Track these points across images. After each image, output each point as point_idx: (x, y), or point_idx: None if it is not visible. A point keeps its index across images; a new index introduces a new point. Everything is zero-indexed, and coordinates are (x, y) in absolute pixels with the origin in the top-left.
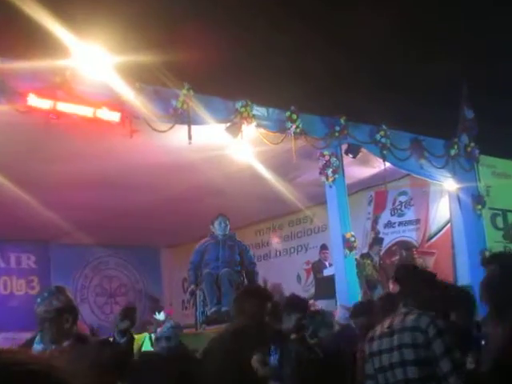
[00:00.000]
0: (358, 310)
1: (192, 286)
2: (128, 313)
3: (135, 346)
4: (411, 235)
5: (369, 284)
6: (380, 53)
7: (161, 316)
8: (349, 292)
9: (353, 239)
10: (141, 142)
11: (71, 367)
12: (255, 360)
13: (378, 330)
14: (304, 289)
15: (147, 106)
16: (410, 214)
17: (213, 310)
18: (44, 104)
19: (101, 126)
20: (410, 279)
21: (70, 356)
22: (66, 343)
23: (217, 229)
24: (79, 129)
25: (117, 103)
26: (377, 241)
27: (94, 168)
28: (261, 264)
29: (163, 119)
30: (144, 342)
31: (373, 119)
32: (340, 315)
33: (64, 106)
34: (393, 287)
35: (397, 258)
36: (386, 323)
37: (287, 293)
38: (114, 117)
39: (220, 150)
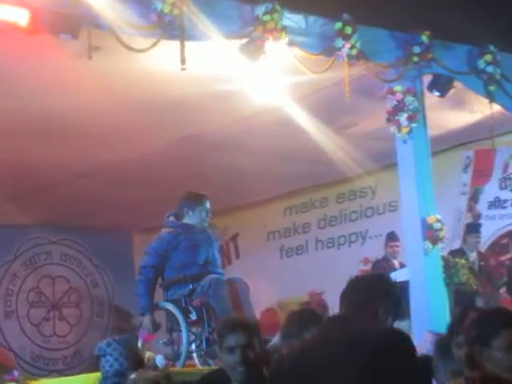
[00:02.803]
0: None
1: (146, 317)
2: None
3: None
4: None
5: (462, 297)
6: None
7: None
8: (431, 309)
9: (438, 226)
10: (106, 68)
11: None
12: None
13: None
14: None
15: (116, 11)
16: None
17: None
18: None
19: (42, 42)
20: None
21: None
22: None
23: (196, 218)
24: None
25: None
26: (473, 228)
27: (31, 106)
28: (291, 261)
29: (141, 31)
30: None
31: (473, 36)
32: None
33: None
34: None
35: (509, 256)
36: None
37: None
38: (16, 16)
39: (230, 83)
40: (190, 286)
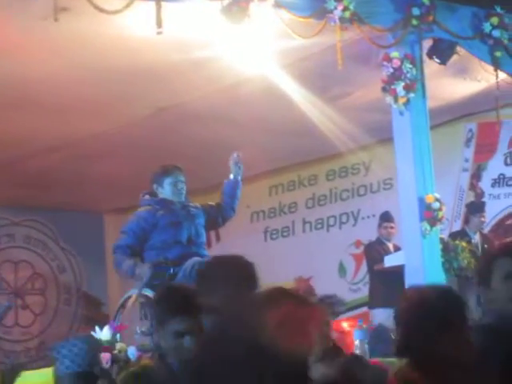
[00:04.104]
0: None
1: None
2: None
3: None
4: None
5: (464, 282)
6: None
7: (104, 334)
8: None
9: (437, 205)
10: (74, 31)
11: None
12: None
13: None
14: (351, 288)
15: None
16: None
17: None
18: None
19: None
20: None
21: None
22: None
23: (167, 192)
24: None
25: None
26: (477, 207)
27: None
28: (277, 244)
29: None
30: None
31: None
32: None
33: None
34: None
35: None
36: None
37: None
38: None
39: (211, 49)
40: (171, 271)
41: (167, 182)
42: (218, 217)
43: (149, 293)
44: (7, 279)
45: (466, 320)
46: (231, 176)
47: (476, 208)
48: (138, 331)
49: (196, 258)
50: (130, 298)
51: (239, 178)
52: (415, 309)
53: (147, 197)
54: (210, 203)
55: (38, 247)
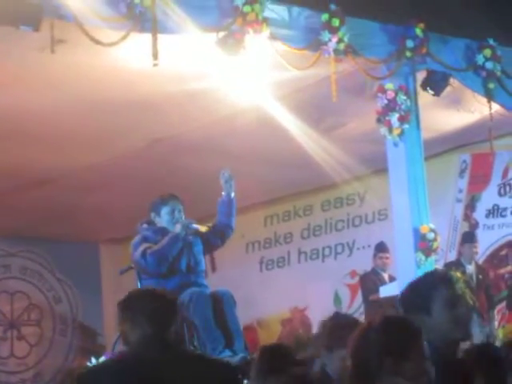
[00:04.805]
0: None
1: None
2: None
3: None
4: None
5: None
6: None
7: None
8: None
9: (432, 236)
10: (71, 63)
11: None
12: None
13: None
14: None
15: (82, 0)
16: None
17: (240, 356)
18: None
19: None
20: None
21: None
22: None
23: (166, 220)
24: None
25: None
26: (467, 237)
27: None
28: (272, 274)
29: (110, 23)
30: None
31: (472, 29)
32: None
33: None
34: None
35: (508, 269)
36: None
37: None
38: None
39: (207, 80)
40: None
41: (164, 211)
42: (216, 238)
43: None
44: (3, 310)
45: (410, 355)
46: (223, 194)
47: (466, 238)
48: None
49: (193, 290)
50: None
51: (232, 194)
52: (354, 340)
53: (145, 225)
54: (207, 225)
55: (34, 278)
